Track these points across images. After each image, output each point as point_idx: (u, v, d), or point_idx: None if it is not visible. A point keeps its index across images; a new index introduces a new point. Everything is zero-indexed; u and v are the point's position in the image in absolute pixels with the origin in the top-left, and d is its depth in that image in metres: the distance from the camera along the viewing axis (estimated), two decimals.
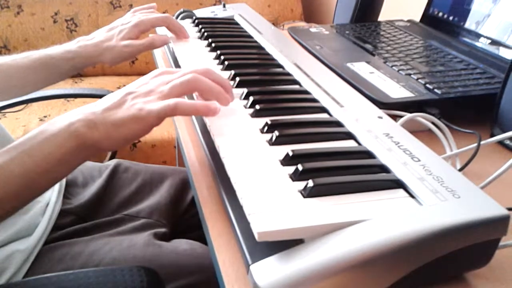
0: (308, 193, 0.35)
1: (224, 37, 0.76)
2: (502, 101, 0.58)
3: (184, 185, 0.86)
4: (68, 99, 1.64)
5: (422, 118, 0.56)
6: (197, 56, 0.69)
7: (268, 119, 0.46)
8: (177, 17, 0.91)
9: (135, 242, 0.68)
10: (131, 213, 0.77)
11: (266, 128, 0.45)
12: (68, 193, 0.79)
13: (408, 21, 0.96)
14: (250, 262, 0.33)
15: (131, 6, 1.90)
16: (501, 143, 0.57)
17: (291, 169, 0.38)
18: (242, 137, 0.44)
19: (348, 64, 0.71)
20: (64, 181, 0.79)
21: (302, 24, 1.65)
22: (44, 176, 0.45)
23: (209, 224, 0.42)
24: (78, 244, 0.67)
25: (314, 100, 0.53)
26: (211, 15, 0.93)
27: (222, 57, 0.65)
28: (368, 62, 0.72)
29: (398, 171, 0.38)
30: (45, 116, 1.56)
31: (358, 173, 0.39)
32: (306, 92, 0.55)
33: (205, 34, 0.76)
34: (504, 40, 0.72)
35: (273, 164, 0.40)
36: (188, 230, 0.83)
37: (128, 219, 0.75)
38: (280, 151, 0.41)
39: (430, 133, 0.55)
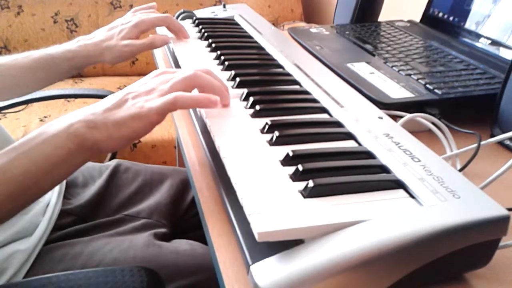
0: (308, 194, 0.35)
1: (224, 37, 0.76)
2: (502, 101, 0.58)
3: (184, 185, 0.86)
4: (69, 99, 1.64)
5: (422, 118, 0.56)
6: (197, 57, 0.69)
7: (268, 120, 0.46)
8: (177, 18, 0.91)
9: (135, 243, 0.69)
10: (131, 213, 0.77)
11: (266, 128, 0.45)
12: (68, 193, 0.79)
13: (408, 21, 0.96)
14: (250, 262, 0.33)
15: (131, 6, 1.90)
16: (501, 143, 0.57)
17: (291, 169, 0.38)
18: (243, 137, 0.44)
19: (348, 65, 0.71)
20: (64, 181, 0.79)
21: (302, 24, 1.65)
22: (44, 178, 0.44)
23: (209, 225, 0.42)
24: (78, 245, 0.67)
25: (314, 101, 0.53)
26: (211, 16, 0.93)
27: (222, 58, 0.65)
28: (368, 63, 0.72)
29: (398, 172, 0.38)
30: (45, 117, 1.56)
31: (358, 173, 0.39)
32: (306, 93, 0.55)
33: (205, 34, 0.76)
34: (504, 41, 0.72)
35: (273, 165, 0.40)
36: (188, 230, 0.83)
37: (128, 220, 0.75)
38: (280, 152, 0.41)
39: (430, 133, 0.55)
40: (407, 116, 0.55)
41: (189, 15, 0.90)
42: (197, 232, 0.81)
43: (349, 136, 0.46)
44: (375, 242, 0.31)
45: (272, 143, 0.43)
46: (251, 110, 0.49)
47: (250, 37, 0.78)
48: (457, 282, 0.36)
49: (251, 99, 0.51)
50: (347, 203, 0.35)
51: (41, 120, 1.54)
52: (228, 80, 0.59)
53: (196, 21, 0.85)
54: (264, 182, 0.37)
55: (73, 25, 1.89)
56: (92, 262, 0.65)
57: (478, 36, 0.77)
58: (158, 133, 1.50)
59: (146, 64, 1.95)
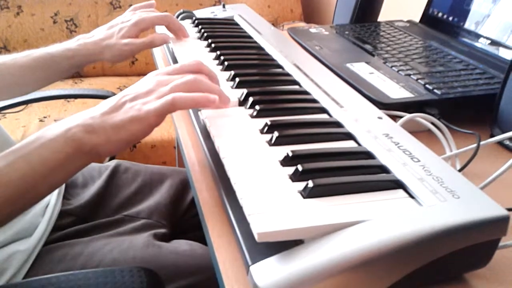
0: (308, 194, 0.35)
1: (224, 37, 0.76)
2: (501, 101, 0.58)
3: (184, 186, 0.86)
4: (68, 99, 1.64)
5: (421, 118, 0.56)
6: (196, 57, 0.69)
7: (268, 120, 0.46)
8: (177, 18, 0.91)
9: (135, 243, 0.68)
10: (131, 213, 0.77)
11: (266, 128, 0.45)
12: (68, 194, 0.79)
13: (408, 21, 0.96)
14: (250, 262, 0.33)
15: (130, 6, 1.90)
16: (500, 143, 0.57)
17: (291, 169, 0.38)
18: (242, 137, 0.44)
19: (348, 65, 0.71)
20: None
21: (302, 24, 1.66)
22: (41, 182, 0.44)
23: (209, 225, 0.42)
24: (78, 245, 0.67)
25: (313, 101, 0.53)
26: (211, 16, 0.93)
27: (222, 58, 0.65)
28: (367, 63, 0.72)
29: (398, 172, 0.38)
30: (45, 117, 1.56)
31: (358, 173, 0.39)
32: (306, 93, 0.55)
33: (205, 34, 0.76)
34: (504, 41, 0.72)
35: (273, 165, 0.40)
36: (188, 230, 0.83)
37: (128, 220, 0.75)
38: (280, 152, 0.41)
39: (429, 133, 0.55)
40: (407, 116, 0.55)
41: (188, 15, 0.90)
42: (196, 232, 0.81)
43: (348, 136, 0.46)
44: (375, 242, 0.31)
45: (271, 143, 0.43)
46: (251, 110, 0.49)
47: (249, 37, 0.78)
48: (457, 282, 0.36)
49: (251, 99, 0.51)
50: (347, 203, 0.35)
51: (40, 121, 1.54)
52: (227, 80, 0.59)
53: (196, 21, 0.85)
54: (263, 182, 0.37)
55: (72, 25, 1.89)
56: (91, 263, 0.65)
57: (477, 36, 0.77)
58: (158, 133, 1.50)
59: (146, 64, 1.95)
